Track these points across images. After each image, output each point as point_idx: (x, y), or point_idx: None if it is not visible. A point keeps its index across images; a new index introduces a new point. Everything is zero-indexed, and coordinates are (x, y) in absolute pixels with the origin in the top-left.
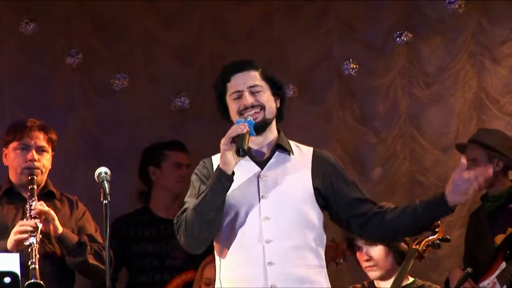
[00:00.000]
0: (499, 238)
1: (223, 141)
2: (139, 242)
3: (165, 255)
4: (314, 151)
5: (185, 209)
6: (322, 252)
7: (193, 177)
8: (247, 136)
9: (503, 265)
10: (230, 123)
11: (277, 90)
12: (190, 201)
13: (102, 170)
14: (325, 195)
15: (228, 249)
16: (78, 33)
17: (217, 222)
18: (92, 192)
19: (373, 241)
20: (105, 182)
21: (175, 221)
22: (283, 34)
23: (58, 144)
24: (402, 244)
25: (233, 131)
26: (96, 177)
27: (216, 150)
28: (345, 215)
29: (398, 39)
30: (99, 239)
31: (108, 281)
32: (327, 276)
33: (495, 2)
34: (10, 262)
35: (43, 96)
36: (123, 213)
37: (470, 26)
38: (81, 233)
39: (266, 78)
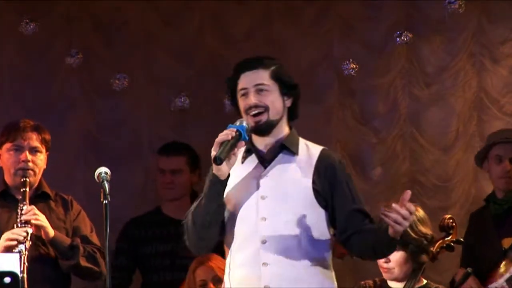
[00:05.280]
0: (506, 241)
1: (213, 147)
2: (151, 243)
3: (175, 254)
4: (321, 152)
5: None
6: (323, 252)
7: (207, 176)
8: (231, 143)
9: None
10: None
11: (288, 89)
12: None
13: (102, 170)
14: (324, 197)
15: (230, 249)
16: (78, 33)
17: (215, 224)
18: (92, 192)
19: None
20: (105, 182)
21: (182, 222)
22: (283, 34)
23: (58, 144)
24: (424, 256)
25: (220, 137)
26: (96, 177)
27: None
28: (335, 222)
29: (398, 39)
30: (94, 240)
31: (108, 281)
32: (328, 276)
33: (495, 2)
34: (10, 262)
35: (43, 96)
36: (123, 213)
37: (470, 26)
38: (76, 233)
39: (276, 77)
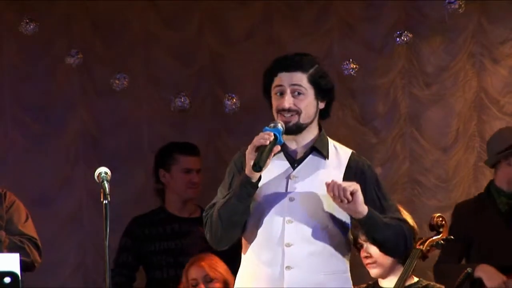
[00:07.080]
0: None
1: (248, 149)
2: (155, 240)
3: (179, 252)
4: (351, 156)
5: (213, 204)
6: (346, 257)
7: (230, 166)
8: (269, 148)
9: None
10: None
11: (323, 93)
12: (220, 192)
13: (102, 170)
14: None
15: (251, 246)
16: (78, 33)
17: (241, 224)
18: (92, 192)
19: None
20: (105, 182)
21: (204, 215)
22: (283, 34)
23: (58, 144)
24: None
25: (257, 141)
26: (96, 177)
27: (217, 150)
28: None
29: (398, 39)
30: (28, 229)
31: (108, 280)
32: (346, 280)
33: (495, 2)
34: (10, 262)
35: (43, 96)
36: (123, 213)
37: (470, 26)
38: (9, 225)
39: (313, 81)
